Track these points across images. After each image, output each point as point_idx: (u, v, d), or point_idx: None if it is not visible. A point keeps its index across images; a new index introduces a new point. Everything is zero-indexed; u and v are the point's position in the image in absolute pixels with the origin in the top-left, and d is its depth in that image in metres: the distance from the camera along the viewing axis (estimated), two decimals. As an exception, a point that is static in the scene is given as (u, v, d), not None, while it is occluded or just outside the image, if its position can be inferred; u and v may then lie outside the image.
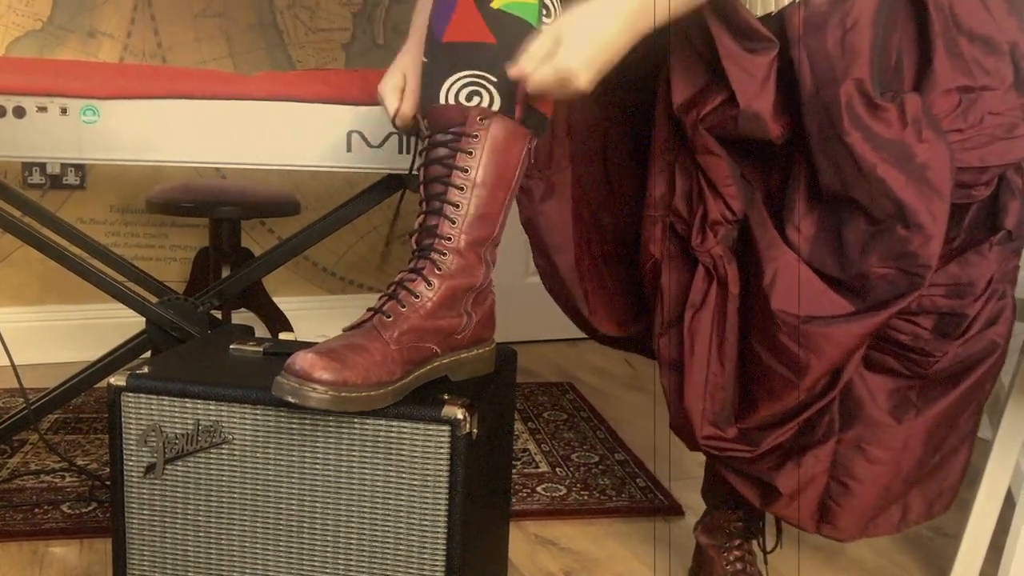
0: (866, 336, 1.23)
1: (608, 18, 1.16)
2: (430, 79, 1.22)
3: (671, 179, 1.36)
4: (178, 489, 1.19)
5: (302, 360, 1.05)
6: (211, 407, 1.17)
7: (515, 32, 1.20)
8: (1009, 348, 1.28)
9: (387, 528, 1.15)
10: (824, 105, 1.21)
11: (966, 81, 1.21)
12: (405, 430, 1.13)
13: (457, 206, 1.18)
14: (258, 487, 1.18)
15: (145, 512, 1.21)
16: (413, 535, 1.15)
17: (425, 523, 1.14)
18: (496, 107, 1.20)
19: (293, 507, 1.17)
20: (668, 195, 1.36)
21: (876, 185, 1.19)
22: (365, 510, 1.15)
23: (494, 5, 1.19)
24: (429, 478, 1.13)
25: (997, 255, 1.23)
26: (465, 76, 1.20)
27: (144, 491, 1.20)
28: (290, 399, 1.04)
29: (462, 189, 1.18)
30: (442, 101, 1.21)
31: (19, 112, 1.48)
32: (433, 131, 1.20)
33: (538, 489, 1.92)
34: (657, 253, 1.37)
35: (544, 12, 1.22)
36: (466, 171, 1.18)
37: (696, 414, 1.32)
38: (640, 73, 1.48)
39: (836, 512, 1.30)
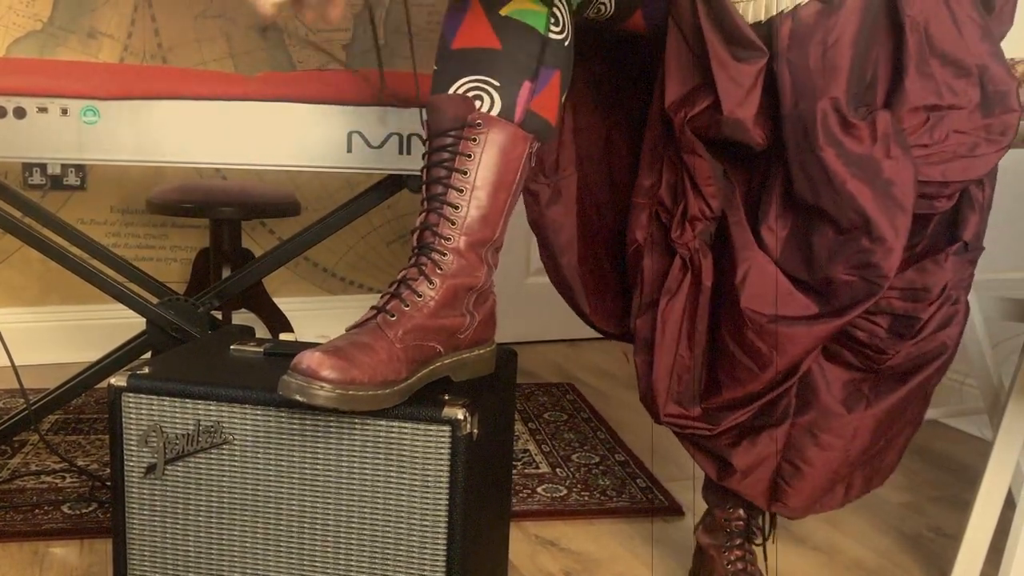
0: (825, 338, 1.30)
1: None
2: (438, 84, 1.24)
3: (659, 171, 1.40)
4: (179, 489, 1.20)
5: (309, 359, 1.05)
6: (212, 407, 1.17)
7: (521, 39, 1.21)
8: (1010, 348, 1.30)
9: (387, 528, 1.15)
10: (801, 119, 1.25)
11: (934, 100, 1.25)
12: (406, 430, 1.13)
13: (457, 208, 1.19)
14: (259, 487, 1.18)
15: (145, 512, 1.21)
16: (413, 535, 1.15)
17: (425, 523, 1.14)
18: (496, 111, 1.20)
19: (293, 507, 1.17)
20: (655, 185, 1.41)
21: (846, 199, 1.24)
22: (365, 510, 1.16)
23: (503, 12, 1.20)
24: (429, 478, 1.13)
25: (953, 264, 1.29)
26: (469, 80, 1.21)
27: (144, 491, 1.20)
28: (297, 398, 1.04)
29: (461, 191, 1.18)
30: None
31: (20, 113, 1.49)
32: (434, 130, 1.20)
33: (538, 489, 1.92)
34: (640, 239, 1.42)
35: (552, 21, 1.23)
36: (465, 174, 1.19)
37: (661, 393, 1.39)
38: (642, 75, 1.49)
39: (787, 492, 1.38)
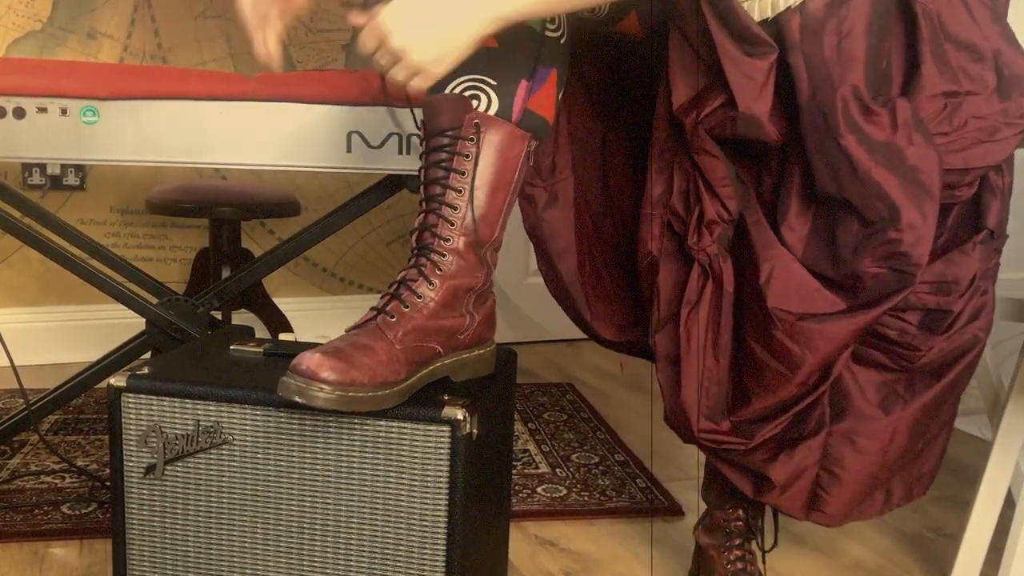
0: (858, 332, 1.27)
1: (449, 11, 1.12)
2: (435, 86, 1.22)
3: (669, 178, 1.38)
4: (178, 490, 1.19)
5: (308, 360, 1.05)
6: (211, 408, 1.17)
7: (516, 36, 1.21)
8: (1010, 348, 1.29)
9: (387, 528, 1.15)
10: (820, 109, 1.23)
11: (952, 87, 1.24)
12: (405, 430, 1.13)
13: (455, 208, 1.18)
14: (258, 488, 1.18)
15: (145, 513, 1.21)
16: (413, 535, 1.15)
17: (425, 523, 1.14)
18: (494, 110, 1.20)
19: (293, 507, 1.17)
20: (666, 194, 1.39)
21: (871, 187, 1.22)
22: (365, 510, 1.15)
23: None
24: (429, 478, 1.13)
25: (980, 253, 1.27)
26: (466, 80, 1.20)
27: (144, 492, 1.20)
28: (297, 399, 1.04)
29: (460, 192, 1.18)
30: None
31: (19, 113, 1.48)
32: (431, 130, 1.20)
33: (538, 490, 1.92)
34: (655, 250, 1.39)
35: (548, 19, 1.22)
36: (463, 174, 1.18)
37: (692, 409, 1.35)
38: (637, 79, 1.49)
39: (825, 500, 1.34)
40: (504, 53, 1.20)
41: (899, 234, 1.22)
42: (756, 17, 1.26)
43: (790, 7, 1.24)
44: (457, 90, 1.20)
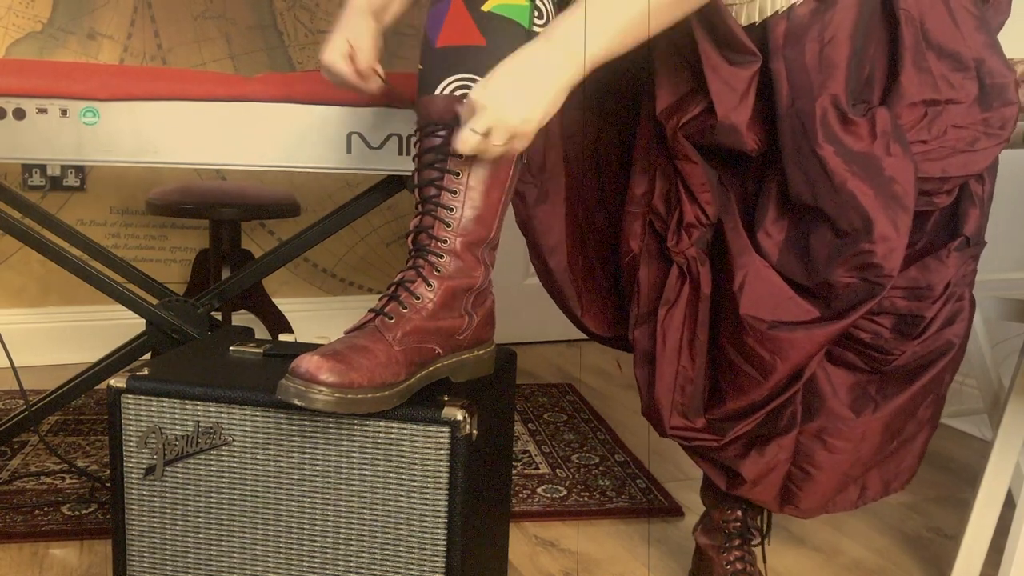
0: (828, 342, 1.28)
1: (540, 80, 1.13)
2: (424, 85, 1.22)
3: (652, 179, 1.39)
4: (178, 491, 1.20)
5: (307, 363, 1.05)
6: (211, 409, 1.17)
7: (505, 34, 1.20)
8: (1010, 348, 1.29)
9: (387, 529, 1.15)
10: (799, 117, 1.23)
11: (932, 95, 1.23)
12: (405, 431, 1.13)
13: (451, 209, 1.18)
14: (258, 489, 1.18)
15: (145, 514, 1.21)
16: (413, 536, 1.15)
17: (425, 524, 1.14)
18: None
19: (293, 508, 1.17)
20: (648, 194, 1.39)
21: (846, 198, 1.22)
22: (365, 511, 1.16)
23: (485, 8, 1.19)
24: (429, 479, 1.13)
25: (955, 260, 1.27)
26: (456, 79, 1.20)
27: (144, 493, 1.20)
28: (296, 402, 1.04)
29: (455, 192, 1.18)
30: None
31: (19, 114, 1.48)
32: (424, 131, 1.20)
33: (538, 490, 1.92)
34: (636, 248, 1.40)
35: (536, 14, 1.22)
36: (458, 174, 1.18)
37: (665, 406, 1.37)
38: (630, 79, 1.49)
39: (797, 495, 1.37)
40: (493, 51, 1.19)
41: (872, 245, 1.22)
42: (743, 22, 1.26)
43: (778, 12, 1.24)
44: (447, 90, 1.20)
